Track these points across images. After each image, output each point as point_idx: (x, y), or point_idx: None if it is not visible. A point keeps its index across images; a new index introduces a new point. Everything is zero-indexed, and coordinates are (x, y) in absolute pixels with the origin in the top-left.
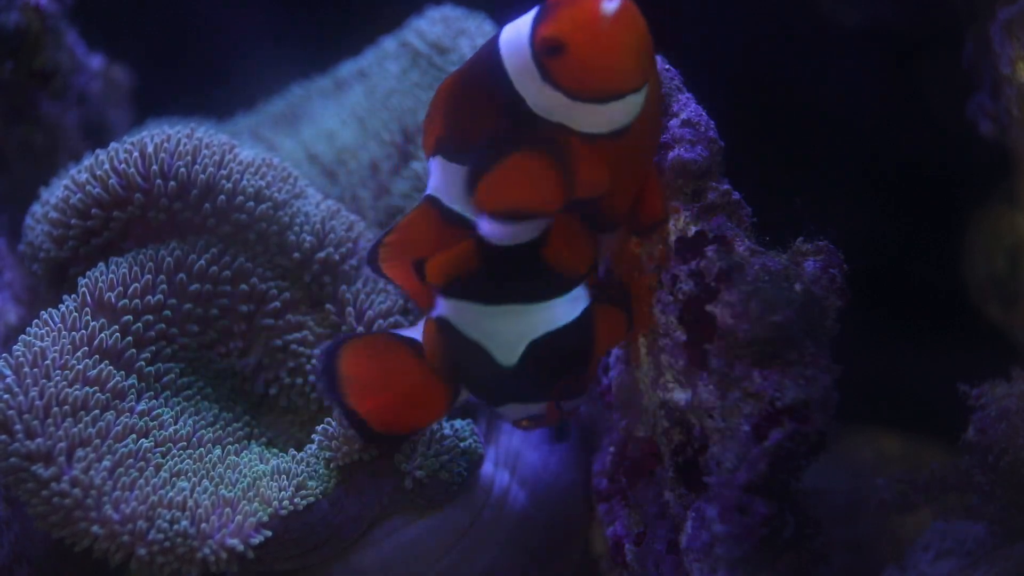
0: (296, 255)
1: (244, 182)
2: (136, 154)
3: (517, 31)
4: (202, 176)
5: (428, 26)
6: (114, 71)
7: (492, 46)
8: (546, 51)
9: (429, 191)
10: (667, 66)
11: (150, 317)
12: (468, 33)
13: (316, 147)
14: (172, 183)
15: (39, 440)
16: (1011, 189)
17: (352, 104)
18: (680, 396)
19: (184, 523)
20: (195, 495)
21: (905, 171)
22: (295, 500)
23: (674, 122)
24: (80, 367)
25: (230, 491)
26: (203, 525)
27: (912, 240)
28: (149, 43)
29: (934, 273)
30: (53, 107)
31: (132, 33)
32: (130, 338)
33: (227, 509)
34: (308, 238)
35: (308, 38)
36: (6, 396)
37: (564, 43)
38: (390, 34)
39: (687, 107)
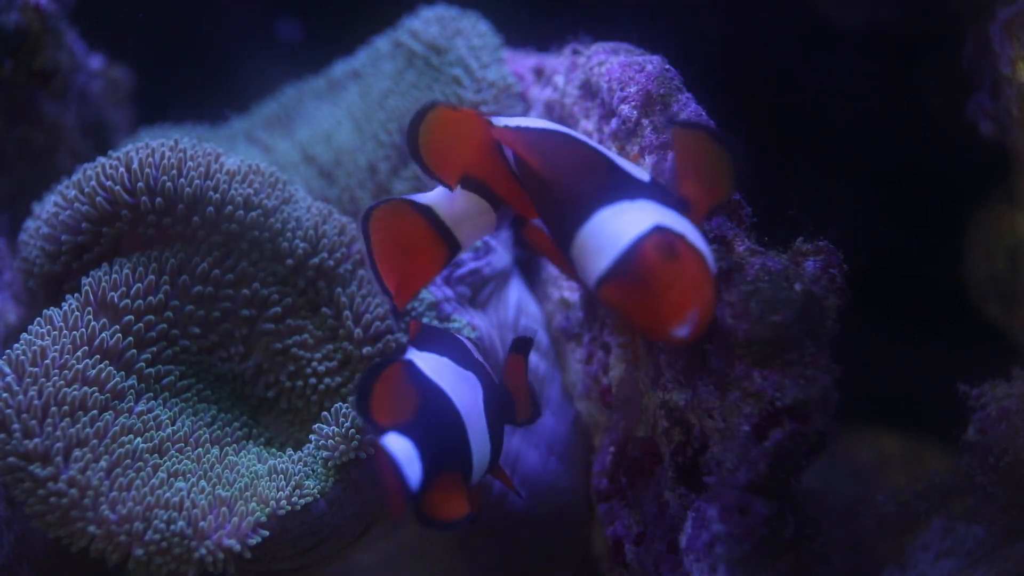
0: (290, 261)
1: (232, 191)
2: (122, 170)
3: (601, 256)
4: (188, 189)
5: (423, 26)
6: (114, 71)
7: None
8: (602, 304)
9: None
10: (667, 66)
11: (151, 317)
12: (464, 33)
13: (313, 148)
14: (159, 199)
15: (37, 440)
16: (1011, 189)
17: (347, 104)
18: (680, 396)
19: (181, 523)
20: (192, 495)
21: (905, 171)
22: (293, 500)
23: None
24: (80, 367)
25: (227, 491)
26: (200, 525)
27: (912, 240)
28: (149, 43)
29: (934, 273)
30: (53, 107)
31: (132, 33)
32: (131, 339)
33: (224, 509)
34: (301, 244)
35: (301, 37)
36: (5, 395)
37: (624, 317)
38: (382, 34)
39: (687, 107)
